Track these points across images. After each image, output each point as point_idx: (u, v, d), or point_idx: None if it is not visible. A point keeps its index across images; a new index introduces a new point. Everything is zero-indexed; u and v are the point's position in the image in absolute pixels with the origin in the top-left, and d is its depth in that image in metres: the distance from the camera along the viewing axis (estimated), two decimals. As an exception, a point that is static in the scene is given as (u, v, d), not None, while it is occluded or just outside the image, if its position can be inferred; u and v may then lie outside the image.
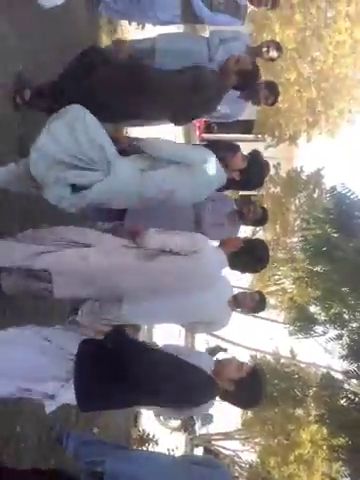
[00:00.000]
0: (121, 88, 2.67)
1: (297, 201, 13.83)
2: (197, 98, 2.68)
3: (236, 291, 3.23)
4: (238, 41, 3.51)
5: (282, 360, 13.42)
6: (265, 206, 6.92)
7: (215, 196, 3.11)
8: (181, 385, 2.19)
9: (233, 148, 2.66)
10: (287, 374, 10.81)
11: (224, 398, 2.36)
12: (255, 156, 2.72)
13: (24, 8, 3.27)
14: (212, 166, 2.51)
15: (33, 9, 3.29)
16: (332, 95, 11.92)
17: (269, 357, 14.30)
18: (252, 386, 2.38)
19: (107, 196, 2.49)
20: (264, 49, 3.70)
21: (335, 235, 8.05)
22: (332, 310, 8.19)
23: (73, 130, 2.35)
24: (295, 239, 13.44)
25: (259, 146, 9.65)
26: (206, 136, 16.81)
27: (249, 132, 14.27)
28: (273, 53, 3.57)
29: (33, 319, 2.70)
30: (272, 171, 13.06)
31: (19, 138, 3.17)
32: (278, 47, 3.67)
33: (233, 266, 2.70)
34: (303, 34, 11.37)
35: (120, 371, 2.11)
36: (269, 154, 12.38)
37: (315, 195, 13.47)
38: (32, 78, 3.18)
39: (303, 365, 13.64)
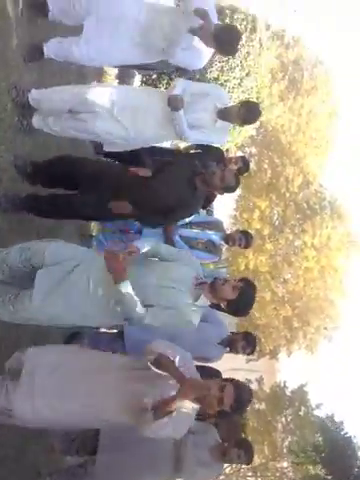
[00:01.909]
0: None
1: (284, 419, 13.19)
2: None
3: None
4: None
5: None
6: (250, 424, 6.55)
7: (197, 427, 2.92)
8: None
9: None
10: None
11: None
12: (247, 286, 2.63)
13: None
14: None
15: None
16: (307, 313, 12.65)
17: None
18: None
19: None
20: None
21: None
22: None
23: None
24: (285, 463, 12.33)
25: (240, 359, 9.69)
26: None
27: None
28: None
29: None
30: (255, 385, 12.79)
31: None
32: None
33: None
34: (274, 260, 12.70)
35: None
36: (251, 367, 12.33)
37: (301, 413, 12.95)
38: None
39: None
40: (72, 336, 3.81)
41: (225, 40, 3.18)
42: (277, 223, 13.54)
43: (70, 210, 3.23)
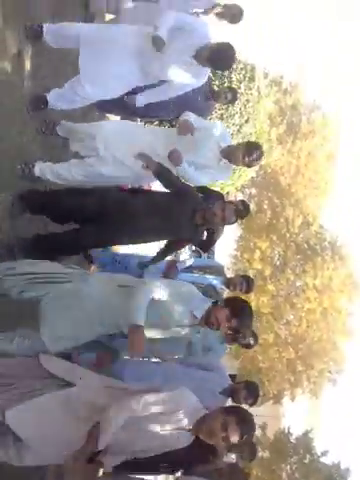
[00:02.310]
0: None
1: (288, 467, 12.69)
2: None
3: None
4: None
5: None
6: (254, 473, 6.25)
7: None
8: None
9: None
10: None
11: None
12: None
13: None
14: None
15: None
16: (311, 356, 12.42)
17: None
18: None
19: None
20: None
21: None
22: None
23: None
24: None
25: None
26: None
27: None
28: (250, 340, 3.84)
29: None
30: (258, 432, 12.37)
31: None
32: (254, 336, 3.97)
33: None
34: (276, 300, 12.60)
35: None
36: (254, 412, 11.90)
37: (306, 461, 12.47)
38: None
39: None
40: None
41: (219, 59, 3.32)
42: (278, 263, 13.53)
43: (75, 243, 3.23)
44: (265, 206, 14.53)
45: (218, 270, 4.45)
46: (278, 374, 12.25)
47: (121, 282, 2.61)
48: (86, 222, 3.18)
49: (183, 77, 3.43)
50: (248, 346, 3.83)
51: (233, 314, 2.54)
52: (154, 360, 3.54)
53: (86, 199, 3.14)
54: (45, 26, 3.34)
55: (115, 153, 3.33)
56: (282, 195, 14.22)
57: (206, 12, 3.97)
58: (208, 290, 4.32)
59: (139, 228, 3.17)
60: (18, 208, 3.17)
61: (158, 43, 3.16)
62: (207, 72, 3.55)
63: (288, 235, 13.21)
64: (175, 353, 3.49)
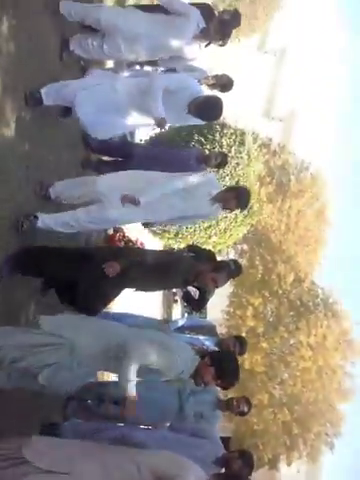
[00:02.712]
0: None
1: None
2: None
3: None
4: (209, 394, 3.72)
5: None
6: None
7: None
8: None
9: None
10: None
11: None
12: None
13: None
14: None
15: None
16: (307, 418, 12.01)
17: None
18: None
19: None
20: (234, 404, 3.69)
21: None
22: None
23: None
24: None
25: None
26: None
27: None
28: (243, 408, 3.69)
29: None
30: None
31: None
32: (248, 402, 3.78)
33: None
34: (270, 359, 12.35)
35: None
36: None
37: None
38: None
39: None
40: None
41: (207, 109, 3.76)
42: (271, 320, 13.41)
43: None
44: (257, 262, 14.62)
45: (210, 330, 4.43)
46: (273, 437, 11.76)
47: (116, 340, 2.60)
48: (81, 282, 3.20)
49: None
50: (242, 413, 3.74)
51: (218, 375, 2.55)
52: (143, 427, 3.44)
53: (83, 262, 3.18)
54: (43, 92, 3.58)
55: (117, 197, 3.42)
56: (273, 252, 14.36)
57: (199, 82, 4.18)
58: (200, 351, 4.28)
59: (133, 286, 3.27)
60: (6, 270, 3.16)
61: (161, 123, 3.61)
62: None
63: (280, 291, 13.20)
64: (165, 420, 3.41)
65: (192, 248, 4.49)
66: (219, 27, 4.07)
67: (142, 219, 3.96)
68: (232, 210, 4.20)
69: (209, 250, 4.99)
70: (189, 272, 3.27)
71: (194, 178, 3.68)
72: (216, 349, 4.31)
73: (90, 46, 4.02)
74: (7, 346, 2.51)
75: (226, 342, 4.22)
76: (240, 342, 4.16)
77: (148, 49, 3.99)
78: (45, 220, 3.42)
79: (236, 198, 3.70)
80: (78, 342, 2.53)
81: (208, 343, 4.26)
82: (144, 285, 3.40)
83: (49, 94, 3.59)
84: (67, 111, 3.87)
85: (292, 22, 22.32)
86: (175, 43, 3.94)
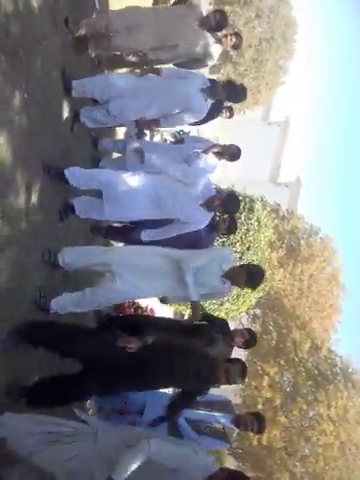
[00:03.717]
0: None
1: None
2: None
3: None
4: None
5: None
6: None
7: None
8: None
9: None
10: None
11: None
12: None
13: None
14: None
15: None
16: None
17: None
18: None
19: None
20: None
21: None
22: None
23: None
24: None
25: None
26: None
27: None
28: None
29: None
30: None
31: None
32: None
33: None
34: (289, 433, 11.61)
35: None
36: None
37: None
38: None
39: None
40: None
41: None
42: (288, 390, 12.75)
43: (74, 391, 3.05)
44: (270, 327, 14.21)
45: (226, 406, 4.14)
46: None
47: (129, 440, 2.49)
48: (91, 366, 3.04)
49: (193, 219, 3.96)
50: None
51: None
52: None
53: (93, 341, 3.05)
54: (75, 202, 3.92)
55: (127, 275, 3.40)
56: (287, 317, 14.00)
57: (206, 151, 4.22)
58: (216, 430, 3.97)
59: (145, 378, 3.02)
60: (12, 341, 3.02)
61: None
62: (210, 217, 4.08)
63: (297, 359, 12.67)
64: None
65: (204, 316, 4.34)
66: (227, 86, 4.31)
67: (154, 295, 3.89)
68: (241, 288, 4.11)
69: (222, 319, 4.81)
70: (202, 368, 3.07)
71: (208, 254, 3.68)
72: (233, 428, 4.02)
73: (98, 115, 4.17)
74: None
75: (243, 419, 3.93)
76: (258, 419, 3.87)
77: (155, 108, 4.09)
78: (58, 302, 3.40)
79: (246, 276, 3.61)
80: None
81: (224, 421, 3.96)
82: (158, 381, 3.20)
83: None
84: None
85: (294, 95, 23.49)
86: (182, 93, 4.05)
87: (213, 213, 4.15)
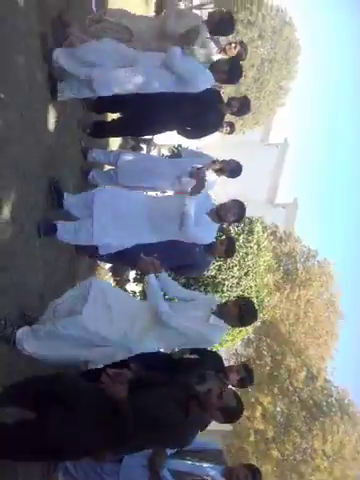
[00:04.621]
0: None
1: None
2: None
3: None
4: None
5: None
6: None
7: None
8: None
9: None
10: None
11: None
12: None
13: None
14: None
15: None
16: None
17: None
18: None
19: None
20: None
21: None
22: None
23: None
24: None
25: None
26: None
27: None
28: None
29: None
30: None
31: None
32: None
33: None
34: (282, 468, 11.04)
35: None
36: None
37: None
38: None
39: None
40: None
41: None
42: (281, 420, 12.19)
43: None
44: (264, 352, 13.73)
45: (216, 455, 3.65)
46: None
47: None
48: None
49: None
50: None
51: None
52: None
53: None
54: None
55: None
56: (282, 342, 13.54)
57: (206, 167, 4.13)
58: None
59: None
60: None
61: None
62: (216, 228, 4.01)
63: (291, 388, 12.15)
64: None
65: (196, 350, 3.93)
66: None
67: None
68: (233, 326, 3.80)
69: (214, 352, 4.41)
70: (190, 395, 2.66)
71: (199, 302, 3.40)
72: None
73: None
74: None
75: (236, 472, 3.43)
76: (253, 473, 3.38)
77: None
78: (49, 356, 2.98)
79: (239, 315, 3.27)
80: None
81: (213, 473, 3.46)
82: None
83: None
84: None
85: (294, 117, 23.48)
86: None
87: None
